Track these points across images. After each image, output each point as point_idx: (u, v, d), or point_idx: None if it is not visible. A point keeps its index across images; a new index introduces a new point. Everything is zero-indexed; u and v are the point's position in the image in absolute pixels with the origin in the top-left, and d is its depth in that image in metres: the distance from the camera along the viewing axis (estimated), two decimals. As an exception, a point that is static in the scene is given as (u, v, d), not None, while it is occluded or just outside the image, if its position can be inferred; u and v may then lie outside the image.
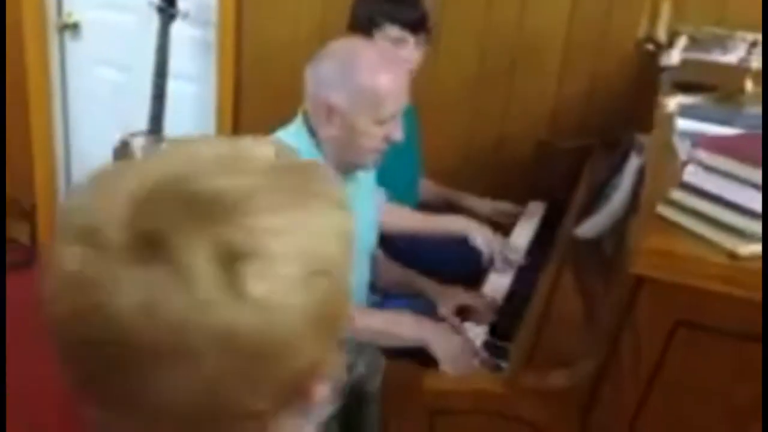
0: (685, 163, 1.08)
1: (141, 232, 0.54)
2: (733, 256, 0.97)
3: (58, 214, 0.60)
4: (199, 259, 0.53)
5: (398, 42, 1.90)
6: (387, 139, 1.52)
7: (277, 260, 0.54)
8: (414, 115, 2.15)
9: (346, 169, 1.57)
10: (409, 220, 1.95)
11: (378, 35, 1.89)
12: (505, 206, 2.26)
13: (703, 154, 1.03)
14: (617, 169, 1.70)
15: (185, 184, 0.56)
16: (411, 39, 1.92)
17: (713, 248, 0.99)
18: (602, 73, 2.40)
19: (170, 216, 0.54)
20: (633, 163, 1.61)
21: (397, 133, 1.53)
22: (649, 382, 1.06)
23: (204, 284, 0.53)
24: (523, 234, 2.11)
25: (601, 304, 1.39)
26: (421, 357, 1.46)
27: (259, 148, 0.60)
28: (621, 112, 2.35)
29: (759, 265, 0.96)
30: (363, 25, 1.91)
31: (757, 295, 0.95)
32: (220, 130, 2.96)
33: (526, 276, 1.86)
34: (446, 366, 1.41)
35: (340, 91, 1.46)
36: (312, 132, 1.53)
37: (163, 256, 0.53)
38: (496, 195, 2.45)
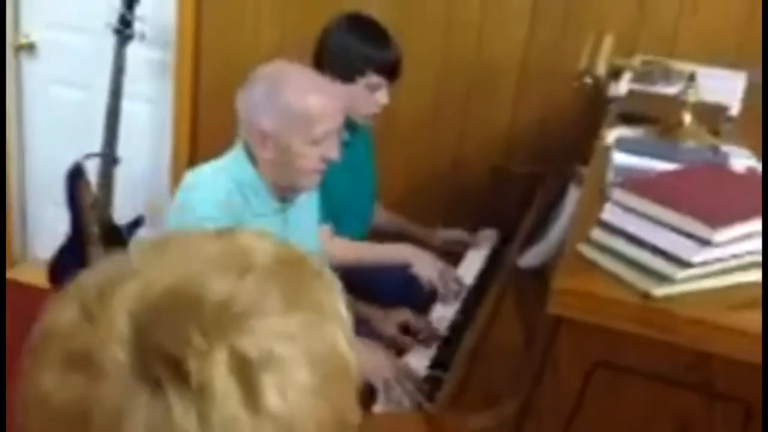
0: (606, 202, 1.09)
1: (146, 349, 0.47)
2: (647, 297, 0.97)
3: (37, 339, 0.52)
4: (216, 374, 0.47)
5: (375, 87, 1.90)
6: (323, 159, 1.52)
7: (291, 367, 0.50)
8: (367, 135, 2.15)
9: (287, 193, 1.57)
10: (351, 251, 1.94)
11: (360, 81, 1.88)
12: (455, 234, 2.25)
13: (619, 194, 1.03)
14: (558, 200, 1.71)
15: (189, 291, 0.50)
16: (386, 84, 1.92)
17: (629, 289, 0.99)
18: (554, 103, 2.42)
19: (177, 329, 0.48)
20: (572, 195, 1.62)
21: (334, 152, 1.53)
22: (569, 422, 1.05)
23: (223, 402, 0.47)
24: (472, 263, 2.11)
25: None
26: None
27: (258, 243, 0.56)
28: (572, 140, 2.37)
29: (672, 306, 0.96)
30: (342, 67, 1.87)
31: (672, 337, 0.95)
32: (176, 153, 2.94)
33: (471, 306, 1.86)
34: (375, 382, 1.38)
35: (271, 114, 1.46)
36: (252, 158, 1.53)
37: (174, 374, 0.47)
38: (451, 220, 2.45)
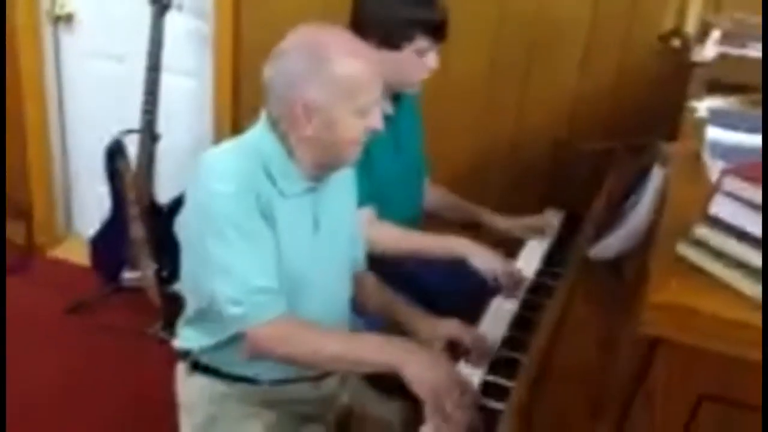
0: (714, 189, 0.87)
1: None
2: (774, 317, 0.77)
3: None
4: None
5: (423, 51, 1.71)
6: (367, 130, 1.37)
7: None
8: (413, 106, 1.96)
9: (323, 170, 1.40)
10: (400, 240, 1.75)
11: (408, 47, 1.70)
12: (535, 221, 2.02)
13: (734, 183, 0.82)
14: (639, 181, 1.49)
15: None
16: (435, 47, 1.73)
17: (748, 305, 0.79)
18: (627, 68, 2.18)
19: None
20: (655, 177, 1.40)
21: (378, 122, 1.38)
22: (666, 465, 0.86)
23: None
24: (534, 252, 1.90)
25: (621, 345, 1.18)
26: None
27: None
28: (648, 112, 2.13)
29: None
30: (386, 34, 1.68)
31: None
32: (218, 126, 2.80)
33: (534, 300, 1.66)
34: (423, 397, 1.19)
35: (316, 86, 1.30)
36: (280, 135, 1.36)
37: None
38: (510, 200, 2.25)
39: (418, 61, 1.72)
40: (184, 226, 1.42)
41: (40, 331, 2.69)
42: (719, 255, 0.83)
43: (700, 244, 0.85)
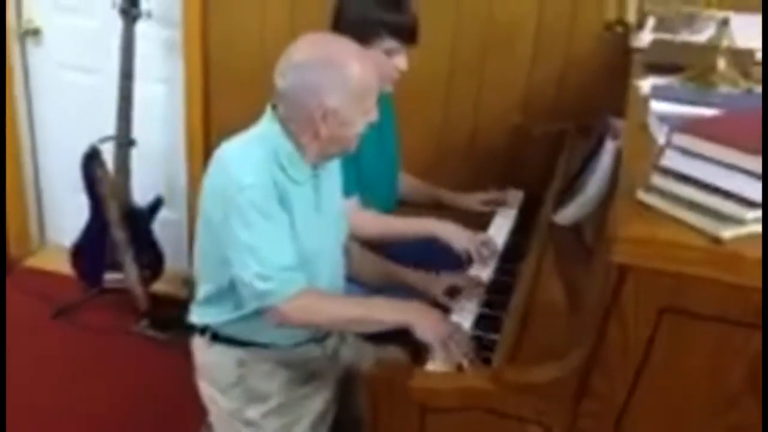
0: (663, 148, 1.07)
1: None
2: (716, 240, 0.97)
3: None
4: None
5: (392, 52, 1.87)
6: (367, 123, 1.54)
7: None
8: (389, 102, 2.13)
9: (327, 158, 1.57)
10: (383, 225, 1.94)
11: (377, 45, 1.85)
12: (490, 195, 2.24)
13: (680, 138, 1.02)
14: (593, 154, 1.70)
15: None
16: (403, 49, 1.89)
17: (696, 233, 0.99)
18: (573, 57, 2.40)
19: None
20: (608, 148, 1.60)
21: (375, 116, 1.54)
22: (638, 371, 1.05)
23: None
24: (502, 225, 2.10)
25: (585, 292, 1.38)
26: (410, 345, 1.47)
27: None
28: (594, 95, 2.34)
29: (742, 248, 0.95)
30: (359, 32, 1.78)
31: (742, 279, 0.95)
32: (191, 131, 2.92)
33: (507, 266, 1.86)
34: (431, 341, 1.41)
35: (336, 94, 1.44)
36: (288, 131, 1.51)
37: None
38: (473, 185, 2.44)
39: (388, 61, 1.88)
40: (201, 213, 1.55)
41: (28, 337, 2.74)
42: (671, 197, 1.03)
43: (655, 190, 1.05)
